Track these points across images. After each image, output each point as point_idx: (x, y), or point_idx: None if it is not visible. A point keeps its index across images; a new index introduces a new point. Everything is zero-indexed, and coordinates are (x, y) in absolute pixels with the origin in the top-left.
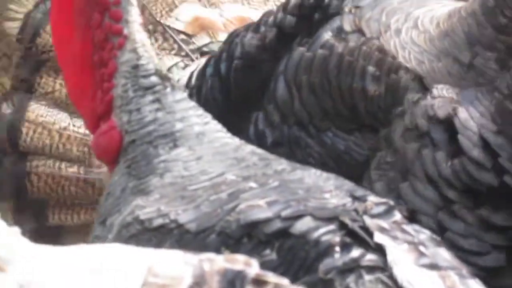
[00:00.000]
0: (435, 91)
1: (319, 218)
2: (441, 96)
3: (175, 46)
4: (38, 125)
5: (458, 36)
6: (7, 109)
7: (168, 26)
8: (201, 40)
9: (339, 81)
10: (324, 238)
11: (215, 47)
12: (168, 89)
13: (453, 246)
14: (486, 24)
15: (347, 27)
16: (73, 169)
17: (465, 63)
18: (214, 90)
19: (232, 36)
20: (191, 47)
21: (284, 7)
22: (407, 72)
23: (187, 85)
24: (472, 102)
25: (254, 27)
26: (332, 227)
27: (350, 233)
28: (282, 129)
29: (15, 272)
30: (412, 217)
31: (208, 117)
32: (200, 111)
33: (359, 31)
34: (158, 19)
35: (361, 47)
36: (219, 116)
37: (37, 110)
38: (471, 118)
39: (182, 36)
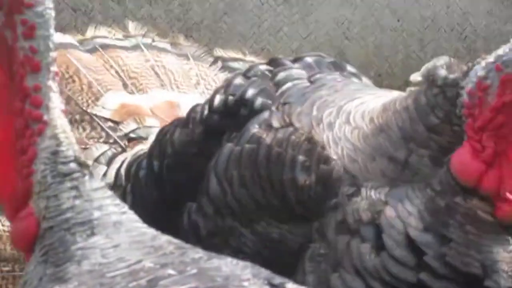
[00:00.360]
0: (363, 192)
1: None
2: (368, 198)
3: (103, 134)
4: None
5: (393, 132)
6: None
7: (95, 115)
8: (128, 126)
9: (268, 172)
10: None
11: (142, 133)
12: (87, 177)
13: None
14: (418, 122)
15: (276, 123)
16: (7, 268)
17: (401, 161)
18: (148, 187)
19: (161, 134)
20: (119, 134)
21: (210, 104)
22: (340, 166)
23: (115, 184)
24: (402, 201)
25: (182, 123)
26: None
27: None
28: (216, 220)
29: None
30: None
31: (125, 207)
32: (117, 200)
33: (289, 126)
34: (84, 108)
35: (289, 137)
36: (155, 211)
37: None
38: (397, 217)
39: (110, 124)
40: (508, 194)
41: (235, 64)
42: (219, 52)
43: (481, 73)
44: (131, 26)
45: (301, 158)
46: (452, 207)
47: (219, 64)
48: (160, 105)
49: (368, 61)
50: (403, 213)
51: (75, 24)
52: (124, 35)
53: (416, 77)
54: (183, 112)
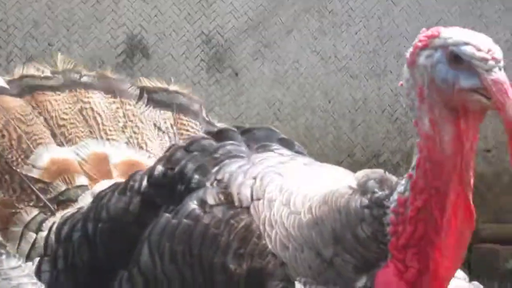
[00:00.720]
0: (297, 286)
1: None
2: None
3: (33, 196)
4: None
5: (325, 229)
6: None
7: (25, 175)
8: (57, 188)
9: (201, 252)
10: None
11: (72, 195)
12: (4, 256)
13: None
14: (348, 229)
15: (211, 200)
16: None
17: (326, 260)
18: (81, 250)
19: (99, 197)
20: (49, 196)
21: (149, 175)
22: (274, 259)
23: (45, 251)
24: None
25: (120, 190)
26: None
27: None
28: None
29: None
30: None
31: (42, 286)
32: (34, 279)
33: (225, 203)
34: (14, 167)
35: (228, 220)
36: (87, 276)
37: None
38: None
39: (40, 185)
40: None
41: (160, 96)
42: (143, 82)
43: (400, 188)
44: (60, 59)
45: (235, 244)
46: None
47: (145, 98)
48: (88, 159)
49: (299, 142)
50: None
51: None
52: (52, 71)
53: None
54: (110, 166)
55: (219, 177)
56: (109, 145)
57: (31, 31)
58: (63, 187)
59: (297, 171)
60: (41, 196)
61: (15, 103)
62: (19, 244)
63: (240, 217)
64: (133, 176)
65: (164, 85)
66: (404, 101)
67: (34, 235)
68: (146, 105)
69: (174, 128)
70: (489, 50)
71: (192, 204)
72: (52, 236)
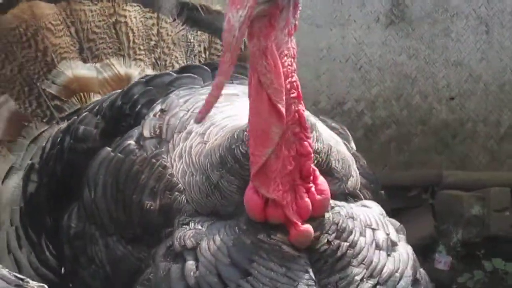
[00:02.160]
0: (191, 224)
1: None
2: (195, 229)
3: (48, 113)
4: None
5: (214, 157)
6: None
7: (44, 90)
8: (72, 107)
9: (124, 187)
10: None
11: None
12: None
13: None
14: (229, 151)
15: (147, 132)
16: None
17: (213, 183)
18: (56, 161)
19: (83, 110)
20: (62, 114)
21: (110, 106)
22: (181, 194)
23: (42, 155)
24: (215, 236)
25: (95, 110)
26: None
27: None
28: (84, 224)
29: None
30: None
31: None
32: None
33: (157, 136)
34: (35, 80)
35: (151, 159)
36: (56, 189)
37: None
38: (208, 250)
39: (56, 102)
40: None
41: (200, 16)
42: None
43: None
44: None
45: (151, 183)
46: (257, 244)
47: (184, 15)
48: (110, 79)
49: None
50: (214, 247)
51: None
52: None
53: None
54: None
55: (162, 106)
56: (134, 65)
57: None
58: (77, 106)
59: (234, 105)
60: (55, 113)
61: (49, 11)
62: (22, 157)
63: (162, 156)
64: (110, 97)
65: (208, 3)
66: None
67: (35, 148)
68: (183, 24)
69: (207, 52)
70: None
71: (130, 139)
72: (48, 145)
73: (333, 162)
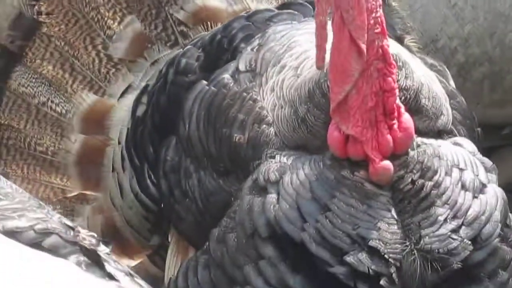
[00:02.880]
0: (277, 157)
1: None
2: (280, 162)
3: (172, 37)
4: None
5: (303, 91)
6: None
7: (171, 15)
8: (199, 34)
9: (216, 121)
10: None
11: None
12: None
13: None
14: (317, 86)
15: (242, 66)
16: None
17: (300, 116)
18: (160, 92)
19: (187, 44)
20: (187, 41)
21: (209, 41)
22: (269, 127)
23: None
24: (299, 170)
25: (199, 44)
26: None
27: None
28: (180, 157)
29: None
30: None
31: None
32: None
33: (252, 70)
34: (163, 4)
35: (242, 92)
36: (160, 117)
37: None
38: (291, 184)
39: (182, 28)
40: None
41: None
42: None
43: None
44: None
45: (240, 116)
46: (339, 180)
47: None
48: (239, 12)
49: None
50: (296, 181)
51: None
52: None
53: None
54: None
55: (260, 41)
56: (265, 2)
57: None
58: (203, 34)
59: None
60: (180, 39)
61: None
62: (141, 78)
63: (253, 89)
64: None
65: None
66: None
67: (154, 70)
68: None
69: None
70: None
71: (225, 73)
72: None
73: (423, 100)
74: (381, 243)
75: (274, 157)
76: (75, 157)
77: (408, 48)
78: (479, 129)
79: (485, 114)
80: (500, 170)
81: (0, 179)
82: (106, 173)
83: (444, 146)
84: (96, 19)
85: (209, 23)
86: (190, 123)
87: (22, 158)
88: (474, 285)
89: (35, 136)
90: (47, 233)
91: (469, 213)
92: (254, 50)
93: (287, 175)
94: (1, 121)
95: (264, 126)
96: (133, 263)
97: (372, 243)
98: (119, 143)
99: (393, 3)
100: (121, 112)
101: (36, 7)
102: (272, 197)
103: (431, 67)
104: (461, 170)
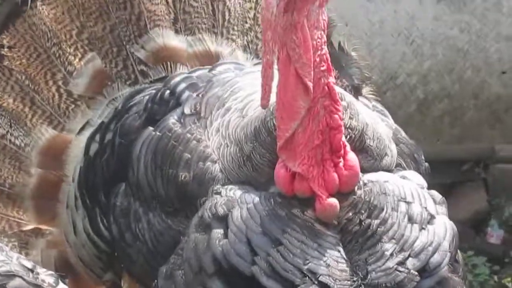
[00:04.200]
0: (223, 191)
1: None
2: (227, 196)
3: (132, 76)
4: None
5: (249, 129)
6: None
7: (132, 53)
8: (158, 74)
9: (162, 163)
10: None
11: (166, 81)
12: None
13: None
14: (263, 124)
15: (187, 110)
16: None
17: (246, 154)
18: (108, 147)
19: (129, 102)
20: (147, 80)
21: (154, 95)
22: (214, 163)
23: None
24: (248, 204)
25: (140, 104)
26: None
27: None
28: (129, 201)
29: None
30: None
31: None
32: None
33: (196, 113)
34: (124, 43)
35: (186, 134)
36: (109, 170)
37: None
38: (240, 218)
39: (142, 67)
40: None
41: None
42: None
43: None
44: None
45: (185, 155)
46: (290, 218)
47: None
48: (199, 54)
49: None
50: (246, 215)
51: None
52: None
53: None
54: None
55: (206, 87)
56: (226, 44)
57: None
58: (162, 74)
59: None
60: (140, 78)
61: None
62: (99, 115)
63: (198, 130)
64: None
65: None
66: None
67: (111, 108)
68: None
69: None
70: None
71: (171, 118)
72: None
73: (368, 140)
74: (331, 278)
75: (220, 193)
76: (32, 191)
77: (366, 98)
78: (427, 164)
79: (445, 150)
80: (462, 206)
81: None
82: (61, 209)
83: (391, 181)
84: (57, 55)
85: (169, 63)
86: (139, 167)
87: None
88: None
89: None
90: (10, 275)
91: (415, 244)
92: (200, 95)
93: (235, 209)
94: None
95: (209, 163)
96: None
97: (322, 278)
98: (73, 180)
99: (352, 53)
100: (78, 149)
101: None
102: (218, 232)
103: (374, 107)
104: (408, 203)
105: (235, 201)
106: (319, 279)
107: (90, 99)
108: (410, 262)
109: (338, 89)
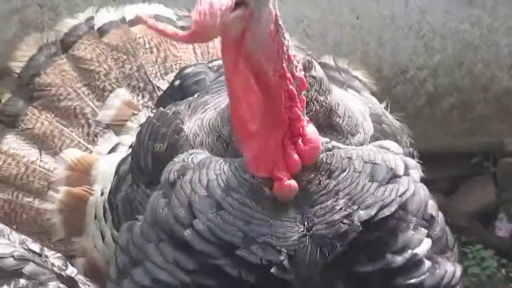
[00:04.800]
0: (185, 155)
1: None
2: (184, 161)
3: None
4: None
5: (225, 116)
6: None
7: (158, 87)
8: None
9: (144, 138)
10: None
11: None
12: None
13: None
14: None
15: (182, 106)
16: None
17: (226, 139)
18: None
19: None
20: None
21: (166, 89)
22: (185, 136)
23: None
24: (201, 169)
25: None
26: None
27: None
28: (132, 185)
29: None
30: None
31: None
32: None
33: (188, 108)
34: (151, 79)
35: (165, 112)
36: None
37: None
38: (190, 181)
39: None
40: (278, 174)
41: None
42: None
43: None
44: None
45: (163, 129)
46: (241, 182)
47: None
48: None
49: None
50: (196, 179)
51: (41, 20)
52: None
53: None
54: None
55: (200, 93)
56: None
57: None
58: None
59: None
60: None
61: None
62: (129, 140)
63: (173, 110)
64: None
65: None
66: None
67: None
68: None
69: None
70: None
71: (168, 108)
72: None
73: (337, 118)
74: (273, 237)
75: (181, 157)
76: (60, 205)
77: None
78: (411, 148)
79: (454, 144)
80: (470, 199)
81: None
82: (89, 220)
83: (362, 148)
84: (86, 93)
85: None
86: (135, 148)
87: (10, 207)
88: (372, 262)
89: (23, 188)
90: (25, 260)
91: (368, 200)
92: (196, 96)
93: (188, 174)
94: None
95: (183, 134)
96: None
97: (264, 238)
98: (101, 194)
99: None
100: (106, 166)
101: (30, 85)
102: (162, 201)
103: (365, 85)
104: (374, 164)
105: (190, 165)
106: (262, 239)
107: (118, 126)
108: (358, 215)
109: (316, 65)
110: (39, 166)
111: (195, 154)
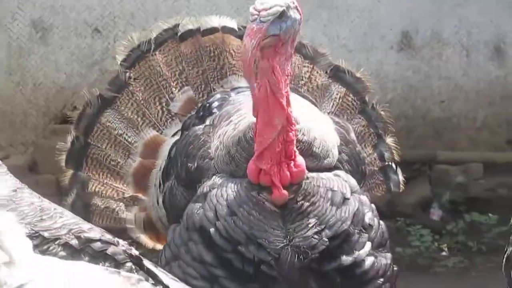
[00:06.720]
0: (214, 177)
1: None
2: (213, 181)
3: None
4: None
5: (235, 138)
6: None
7: (214, 89)
8: None
9: (181, 154)
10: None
11: None
12: None
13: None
14: (244, 134)
15: (208, 122)
16: None
17: (232, 155)
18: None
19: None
20: None
21: (198, 110)
22: (211, 160)
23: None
24: (224, 187)
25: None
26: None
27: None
28: (174, 180)
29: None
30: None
31: None
32: None
33: (213, 124)
34: (209, 82)
35: (200, 136)
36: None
37: None
38: (215, 195)
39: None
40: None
41: (344, 76)
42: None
43: None
44: None
45: (194, 151)
46: (249, 197)
47: (333, 72)
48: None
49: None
50: (219, 194)
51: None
52: None
53: None
54: None
55: (222, 103)
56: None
57: None
58: None
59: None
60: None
61: (234, 42)
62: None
63: (208, 135)
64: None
65: (353, 70)
66: None
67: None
68: (329, 77)
69: (340, 100)
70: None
71: (198, 126)
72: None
73: (315, 149)
74: (266, 241)
75: (211, 179)
76: (134, 171)
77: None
78: (364, 167)
79: (403, 155)
80: (413, 194)
81: (43, 201)
82: (151, 185)
83: (326, 177)
84: (164, 86)
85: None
86: (171, 158)
87: (100, 167)
88: (333, 262)
89: (111, 154)
90: (108, 243)
91: (331, 220)
92: (219, 107)
93: (215, 189)
94: (91, 142)
95: (207, 160)
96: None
97: (259, 240)
98: (160, 169)
99: (381, 112)
100: (167, 146)
101: (127, 73)
102: (198, 205)
103: (336, 123)
104: (333, 191)
105: (216, 184)
106: (258, 241)
107: (182, 116)
108: (325, 232)
109: (295, 115)
110: (124, 139)
111: (219, 177)
